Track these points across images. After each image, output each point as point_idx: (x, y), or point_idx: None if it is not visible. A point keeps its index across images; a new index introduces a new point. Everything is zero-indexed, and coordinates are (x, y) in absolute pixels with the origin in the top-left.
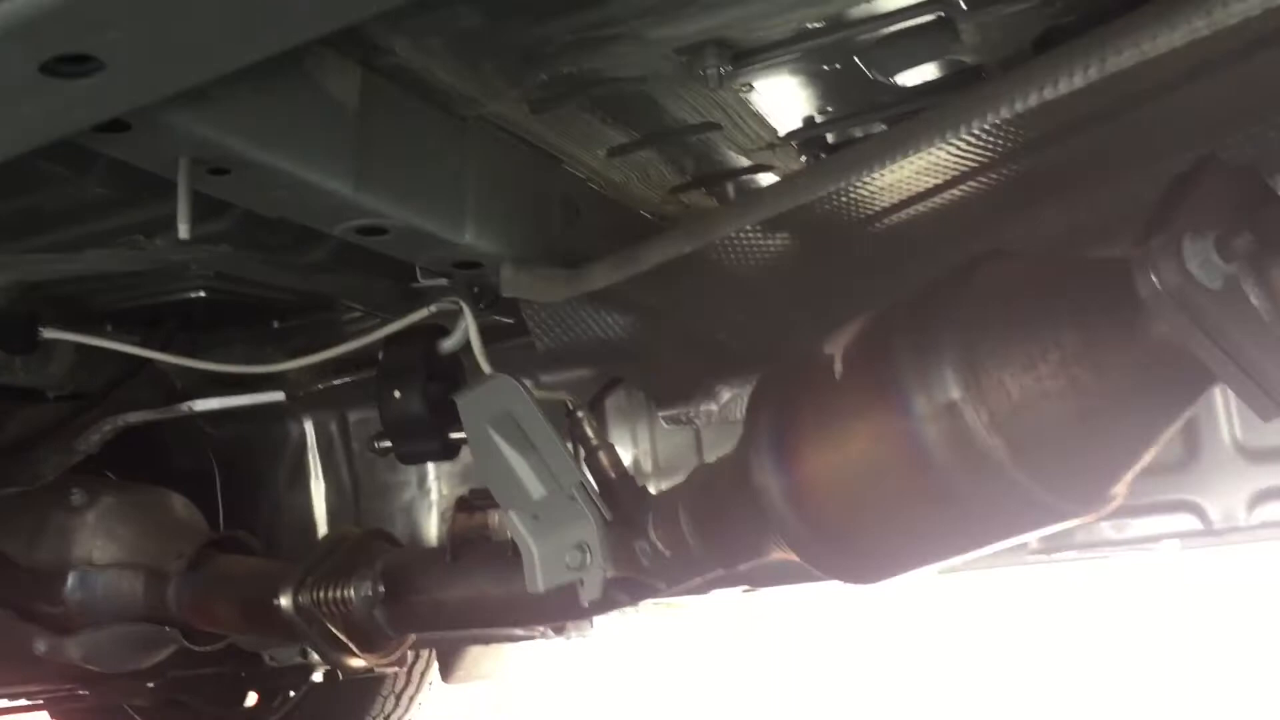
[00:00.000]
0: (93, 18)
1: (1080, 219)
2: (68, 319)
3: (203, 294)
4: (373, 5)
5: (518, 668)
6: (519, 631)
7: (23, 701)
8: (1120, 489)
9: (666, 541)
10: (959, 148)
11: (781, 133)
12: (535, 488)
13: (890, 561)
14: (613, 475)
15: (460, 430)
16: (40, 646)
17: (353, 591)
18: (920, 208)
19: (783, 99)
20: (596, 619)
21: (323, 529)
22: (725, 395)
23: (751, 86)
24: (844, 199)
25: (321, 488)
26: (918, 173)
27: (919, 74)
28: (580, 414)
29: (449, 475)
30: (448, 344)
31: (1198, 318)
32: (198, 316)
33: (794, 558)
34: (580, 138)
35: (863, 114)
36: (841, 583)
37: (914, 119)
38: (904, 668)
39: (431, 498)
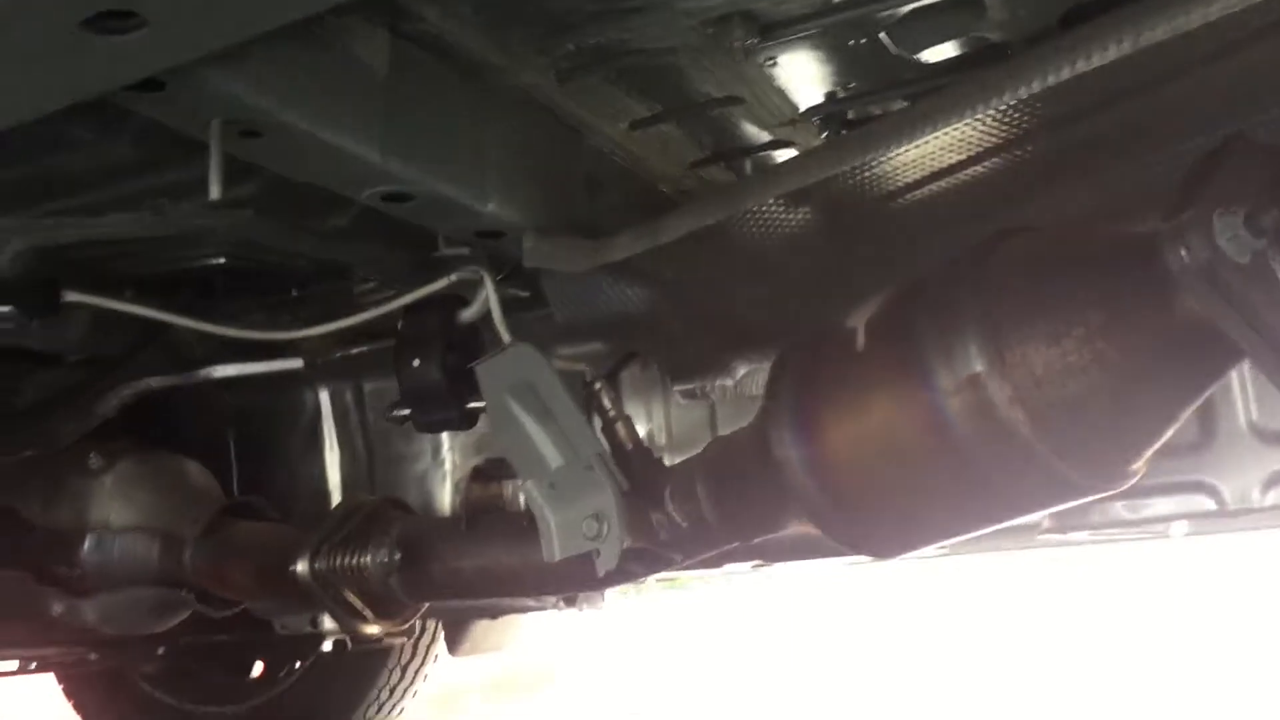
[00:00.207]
0: None
1: (1103, 198)
2: (88, 284)
3: (222, 260)
4: None
5: (524, 643)
6: (531, 603)
7: (33, 666)
8: (1140, 465)
9: (683, 513)
10: (984, 124)
11: (803, 108)
12: (553, 456)
13: (911, 535)
14: (629, 446)
15: (478, 400)
16: (57, 608)
17: (369, 558)
18: (943, 184)
19: (806, 74)
20: (607, 593)
21: (336, 498)
22: (741, 370)
23: (775, 60)
24: (867, 174)
25: (336, 456)
26: (941, 149)
27: (942, 51)
28: (598, 385)
29: (463, 446)
30: (468, 313)
31: (1227, 293)
32: (217, 284)
33: (811, 531)
34: (604, 110)
35: (885, 90)
36: (861, 556)
37: (940, 93)
38: (910, 651)
39: (445, 468)
